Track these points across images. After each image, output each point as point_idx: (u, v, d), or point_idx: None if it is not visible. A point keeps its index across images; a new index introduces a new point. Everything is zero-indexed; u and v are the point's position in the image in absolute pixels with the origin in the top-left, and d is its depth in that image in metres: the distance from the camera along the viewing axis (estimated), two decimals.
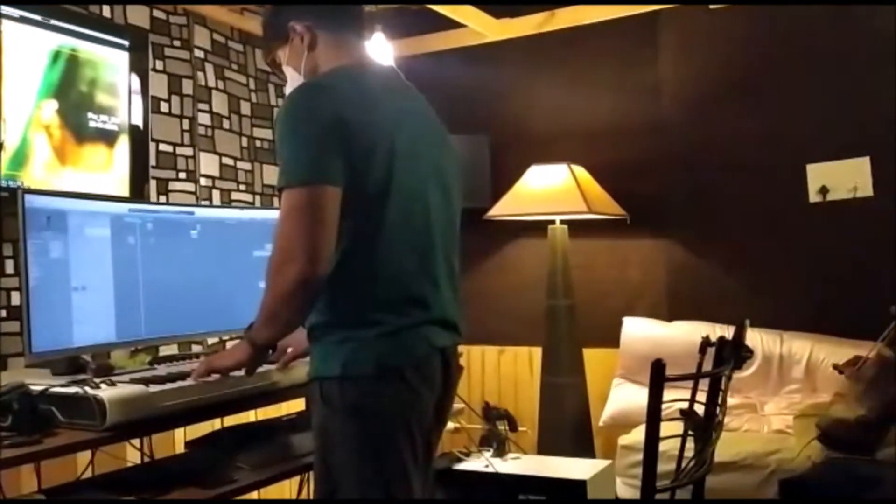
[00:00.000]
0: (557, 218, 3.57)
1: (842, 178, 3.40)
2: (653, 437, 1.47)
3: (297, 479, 2.34)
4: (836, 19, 3.41)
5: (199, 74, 3.35)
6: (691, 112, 3.71)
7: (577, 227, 3.66)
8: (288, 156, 1.50)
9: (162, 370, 1.90)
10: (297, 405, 2.43)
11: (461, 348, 1.75)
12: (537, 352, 3.72)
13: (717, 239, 3.68)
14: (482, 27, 3.82)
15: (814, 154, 3.45)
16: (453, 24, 3.79)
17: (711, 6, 3.63)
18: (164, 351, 2.54)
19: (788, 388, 3.33)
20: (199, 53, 3.35)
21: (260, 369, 1.92)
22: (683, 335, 3.36)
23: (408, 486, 1.55)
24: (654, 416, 1.48)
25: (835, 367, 2.40)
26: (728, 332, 2.11)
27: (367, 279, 1.54)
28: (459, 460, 2.80)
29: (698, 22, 3.68)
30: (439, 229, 1.65)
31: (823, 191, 3.44)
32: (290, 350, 1.95)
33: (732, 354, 2.00)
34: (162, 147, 3.15)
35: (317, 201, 1.46)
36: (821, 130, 3.44)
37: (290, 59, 1.71)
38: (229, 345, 3.12)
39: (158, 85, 3.14)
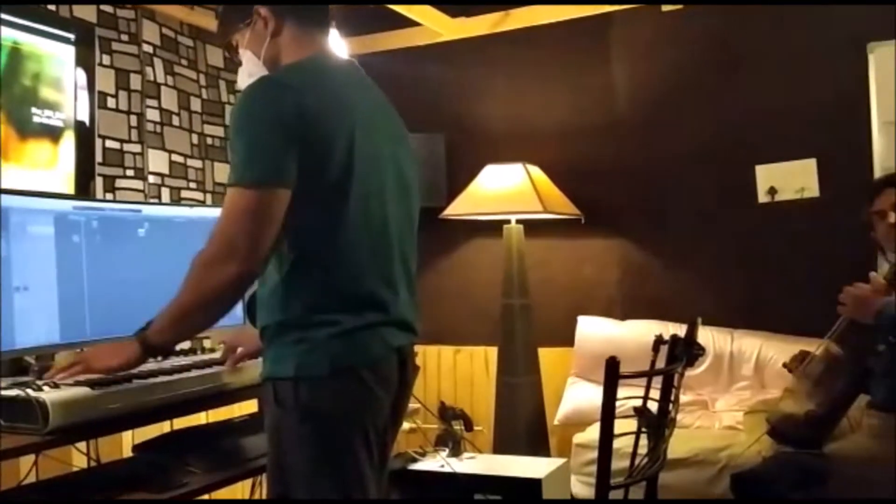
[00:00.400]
0: (513, 217, 3.58)
1: (789, 180, 3.48)
2: (607, 435, 1.47)
3: (249, 481, 2.30)
4: (786, 22, 3.48)
5: (148, 69, 3.28)
6: (644, 113, 3.76)
7: (532, 227, 3.68)
8: (242, 153, 1.46)
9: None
10: (249, 406, 2.38)
11: (417, 348, 1.73)
12: (493, 351, 3.73)
13: (670, 238, 3.73)
14: (438, 26, 3.81)
15: (763, 155, 3.52)
16: (409, 23, 3.77)
17: (664, 8, 3.68)
18: None
19: (739, 384, 3.39)
20: (147, 48, 3.28)
21: (210, 370, 1.89)
22: (637, 334, 3.40)
23: (363, 487, 1.53)
24: (608, 413, 1.48)
25: (784, 365, 2.44)
26: (680, 330, 2.13)
27: (323, 279, 1.51)
28: (415, 460, 2.78)
29: (651, 24, 3.73)
30: (397, 229, 1.63)
31: (772, 191, 3.51)
32: (240, 350, 1.92)
33: (685, 352, 2.02)
34: (109, 143, 3.07)
35: (266, 203, 1.43)
36: (769, 132, 3.51)
37: (251, 42, 1.66)
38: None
39: (105, 80, 3.06)
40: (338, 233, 1.50)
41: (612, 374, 1.49)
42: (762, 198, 3.52)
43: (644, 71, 3.78)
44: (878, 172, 3.26)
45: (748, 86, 3.56)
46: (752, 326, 3.48)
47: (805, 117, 3.43)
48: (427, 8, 3.64)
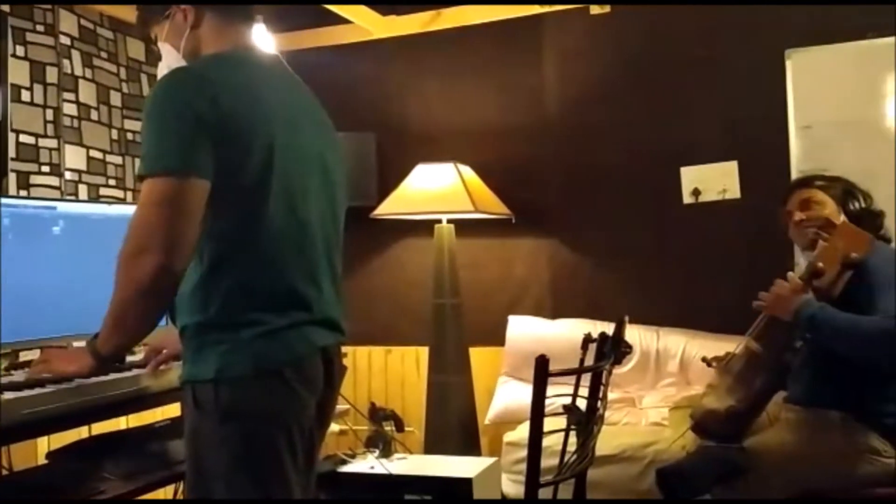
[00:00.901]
0: (444, 217, 3.57)
1: (712, 181, 3.57)
2: (536, 432, 1.47)
3: (172, 487, 2.23)
4: (709, 28, 3.58)
5: (65, 62, 3.15)
6: (574, 114, 3.81)
7: (463, 227, 3.68)
8: (153, 142, 1.41)
9: (20, 376, 1.76)
10: (172, 410, 2.31)
11: (347, 349, 1.70)
12: (424, 351, 3.71)
13: (599, 238, 3.78)
14: (368, 24, 3.78)
15: (687, 157, 3.60)
16: (339, 20, 3.73)
17: (592, 11, 3.73)
18: (26, 356, 2.36)
19: (664, 381, 3.46)
20: (65, 40, 3.15)
21: (130, 373, 1.83)
22: (566, 332, 3.44)
23: (287, 492, 1.49)
24: (537, 410, 1.48)
25: (703, 360, 2.49)
26: (609, 328, 2.15)
27: (244, 277, 1.46)
28: (344, 462, 2.74)
29: (580, 26, 3.78)
30: (322, 227, 1.60)
31: (696, 193, 3.60)
32: (164, 352, 1.85)
33: (612, 350, 2.04)
34: (22, 138, 2.94)
35: (180, 192, 1.38)
36: (694, 135, 3.60)
37: (170, 35, 1.61)
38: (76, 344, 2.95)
39: (19, 72, 2.93)
40: (259, 230, 1.46)
41: (542, 372, 1.50)
42: (687, 199, 3.60)
43: (573, 72, 3.82)
44: (795, 175, 3.37)
45: (674, 88, 3.64)
46: (677, 324, 3.56)
47: (727, 121, 3.53)
48: (358, 6, 3.61)
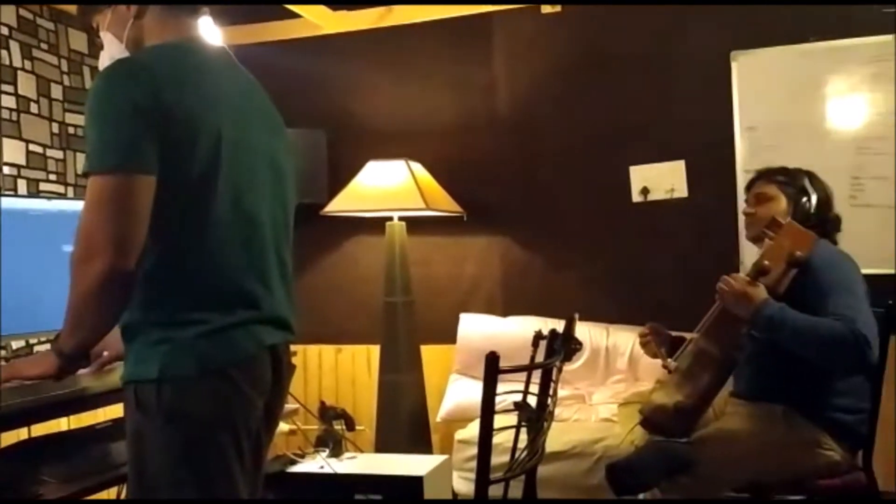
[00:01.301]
0: (395, 215, 3.55)
1: (660, 180, 3.62)
2: (487, 429, 1.47)
3: (113, 490, 2.17)
4: (657, 29, 3.62)
5: (3, 53, 3.04)
6: (524, 113, 3.82)
7: (414, 224, 3.66)
8: (96, 138, 1.36)
9: None
10: (114, 411, 2.24)
11: (297, 347, 1.67)
12: (375, 350, 3.69)
13: (549, 236, 3.80)
14: (319, 19, 3.74)
15: (636, 156, 3.65)
16: (289, 14, 3.68)
17: (543, 10, 3.75)
18: None
19: (614, 378, 3.50)
20: (2, 30, 3.04)
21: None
22: (517, 330, 3.45)
23: (233, 494, 1.46)
24: (488, 407, 1.48)
25: (664, 367, 2.48)
26: (559, 325, 2.16)
27: (189, 274, 1.43)
28: (293, 463, 2.71)
29: (530, 25, 3.79)
30: (271, 223, 1.57)
31: (645, 191, 3.65)
32: (105, 352, 1.80)
33: (563, 347, 2.05)
34: None
35: (126, 190, 1.33)
36: (642, 134, 3.65)
37: (112, 25, 1.56)
38: (38, 349, 2.86)
39: None
40: (205, 226, 1.43)
41: (492, 369, 1.49)
42: (636, 197, 3.65)
43: (524, 71, 3.84)
44: (740, 175, 3.44)
45: (623, 88, 3.68)
46: (626, 322, 3.59)
47: (675, 121, 3.58)
48: (308, 5, 3.57)
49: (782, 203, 2.38)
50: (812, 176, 2.43)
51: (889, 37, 3.33)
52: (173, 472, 1.39)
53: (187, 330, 1.40)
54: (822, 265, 2.22)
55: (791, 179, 2.41)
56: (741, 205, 2.64)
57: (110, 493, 2.28)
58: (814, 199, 2.38)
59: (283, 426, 3.30)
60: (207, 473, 1.42)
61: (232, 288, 1.46)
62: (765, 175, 2.48)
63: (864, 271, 2.32)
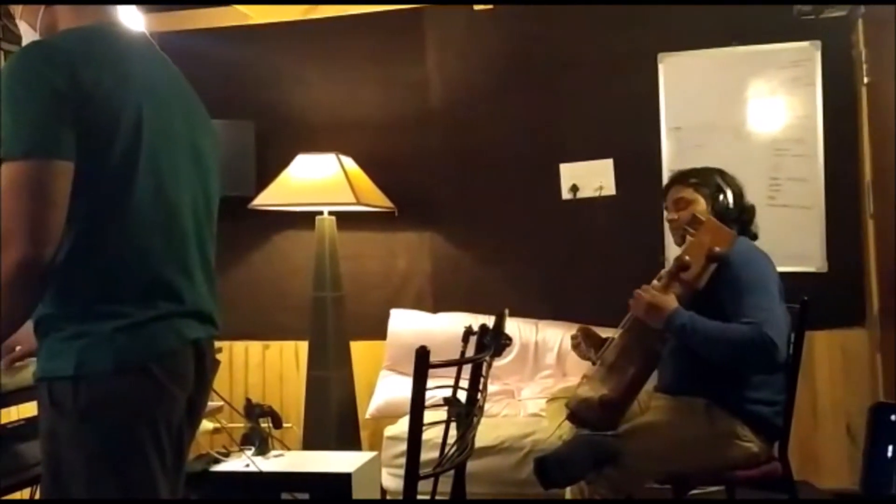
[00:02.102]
0: (325, 209, 3.51)
1: (590, 178, 3.68)
2: (416, 424, 1.46)
3: (27, 491, 2.08)
4: (587, 29, 3.67)
5: None
6: (456, 108, 3.82)
7: (345, 219, 3.63)
8: (9, 123, 1.29)
9: None
10: (27, 410, 2.15)
11: (222, 343, 1.63)
12: (304, 345, 3.64)
13: (480, 232, 3.82)
14: (246, 7, 3.66)
15: (566, 154, 3.69)
16: (215, 1, 3.59)
17: (475, 7, 3.76)
18: None
19: (543, 373, 3.54)
20: None
21: None
22: (447, 325, 3.45)
23: (153, 494, 1.40)
24: (417, 403, 1.47)
25: (590, 360, 2.53)
26: (489, 321, 2.17)
27: (106, 266, 1.37)
28: (217, 461, 2.64)
29: (462, 22, 3.80)
30: (194, 214, 1.52)
31: (574, 189, 3.70)
32: (18, 348, 1.72)
33: (493, 342, 2.05)
34: None
35: (42, 176, 1.27)
36: (572, 132, 3.70)
37: (25, 12, 1.50)
38: None
39: None
40: (124, 215, 1.37)
41: (422, 364, 1.48)
42: (565, 195, 3.70)
43: (456, 67, 3.84)
44: (666, 173, 3.52)
45: (554, 87, 3.72)
46: (555, 317, 3.64)
47: (604, 120, 3.64)
48: None
49: (701, 204, 2.45)
50: (722, 172, 2.52)
51: (806, 43, 3.46)
52: (90, 473, 1.33)
53: (105, 324, 1.35)
54: (739, 263, 2.29)
55: (704, 180, 2.49)
56: None
57: (23, 495, 2.19)
58: (729, 194, 2.46)
59: (206, 424, 3.22)
60: (126, 474, 1.37)
61: (152, 279, 1.41)
62: (678, 180, 2.55)
63: (781, 269, 2.40)
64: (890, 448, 1.02)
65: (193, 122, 1.58)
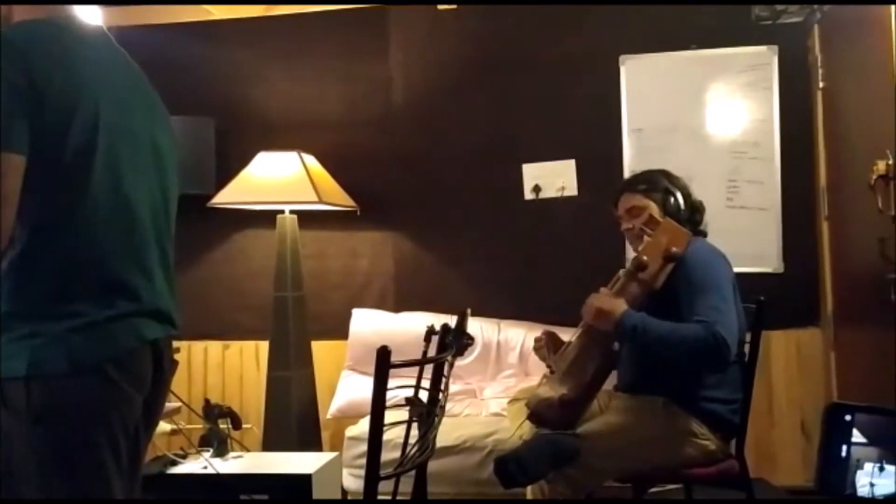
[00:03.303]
0: (287, 208, 3.47)
1: (552, 178, 3.70)
2: (377, 424, 1.45)
3: None
4: (550, 31, 3.69)
5: None
6: (420, 108, 3.82)
7: (306, 218, 3.60)
8: None
9: None
10: None
11: (181, 343, 1.60)
12: (264, 345, 3.60)
13: (442, 232, 3.82)
14: (207, 3, 3.61)
15: (529, 154, 3.71)
16: None
17: (440, 7, 3.76)
18: None
19: (505, 373, 3.55)
20: None
21: None
22: (410, 325, 3.44)
23: (109, 497, 1.38)
24: (378, 402, 1.46)
25: (548, 366, 2.54)
26: (451, 321, 2.16)
27: (62, 263, 1.34)
28: (174, 463, 2.60)
29: (426, 21, 3.79)
30: (152, 212, 1.50)
31: (536, 189, 3.71)
32: None
33: (455, 341, 2.05)
34: None
35: None
36: (535, 132, 3.71)
37: None
38: None
39: None
40: (80, 212, 1.34)
41: (383, 363, 1.47)
42: (528, 195, 3.71)
43: (420, 66, 3.83)
44: (627, 174, 3.55)
45: (517, 87, 3.73)
46: (517, 317, 3.65)
47: (566, 120, 3.67)
48: None
49: (654, 209, 2.48)
50: (667, 174, 2.55)
51: (764, 47, 3.52)
52: (43, 476, 1.30)
53: (59, 323, 1.32)
54: (694, 263, 2.33)
55: (653, 185, 2.51)
56: None
57: None
58: (679, 196, 2.49)
59: (163, 426, 3.16)
60: (81, 477, 1.34)
61: (109, 278, 1.39)
62: (627, 188, 2.57)
63: (739, 270, 2.44)
64: (844, 447, 1.03)
65: (152, 118, 1.56)
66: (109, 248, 1.39)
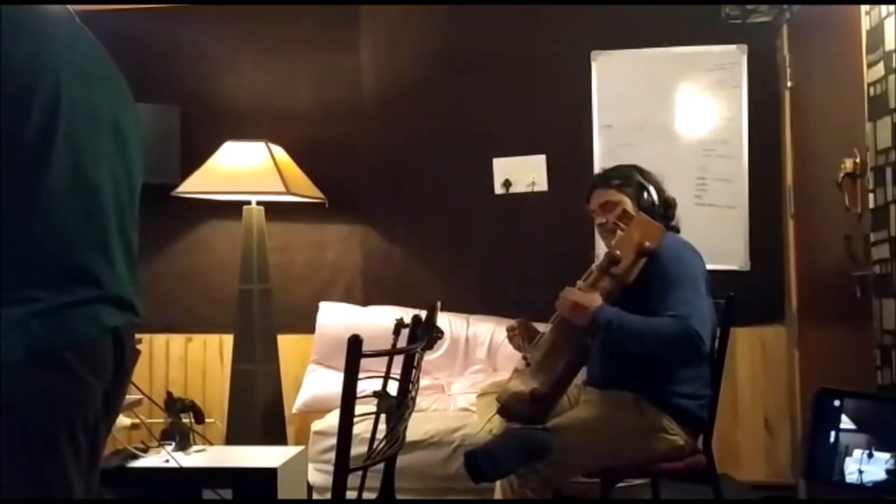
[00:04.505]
0: (253, 198, 3.41)
1: (522, 173, 3.69)
2: (348, 415, 1.42)
3: None
4: (522, 26, 3.68)
5: None
6: (391, 101, 3.78)
7: (273, 209, 3.54)
8: None
9: None
10: None
11: (143, 336, 1.55)
12: (229, 339, 3.53)
13: (411, 225, 3.78)
14: None
15: (499, 149, 3.69)
16: None
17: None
18: None
19: (473, 368, 3.53)
20: None
21: None
22: (377, 319, 3.40)
23: (67, 492, 1.32)
24: (349, 391, 1.43)
25: (524, 358, 2.52)
26: (421, 315, 2.14)
27: (18, 245, 1.28)
28: (135, 457, 2.53)
29: (398, 14, 3.76)
30: (115, 196, 1.43)
31: (507, 184, 3.70)
32: None
33: (424, 334, 2.03)
34: None
35: None
36: (506, 127, 3.70)
37: None
38: None
39: None
40: (38, 192, 1.28)
41: (355, 352, 1.45)
42: (498, 189, 3.69)
43: (391, 60, 3.79)
44: (597, 171, 3.55)
45: (488, 82, 3.71)
46: (486, 312, 3.63)
47: (537, 116, 3.65)
48: None
49: (628, 204, 2.48)
50: (640, 169, 2.56)
51: (733, 46, 3.55)
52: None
53: (15, 308, 1.25)
54: (667, 258, 2.33)
55: (626, 180, 2.52)
56: None
57: None
58: (652, 191, 2.50)
59: (123, 420, 3.09)
60: (38, 470, 1.28)
61: (69, 262, 1.33)
62: (600, 183, 2.57)
63: (706, 267, 2.45)
64: (832, 434, 1.03)
65: (117, 101, 1.49)
66: (69, 232, 1.33)
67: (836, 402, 1.06)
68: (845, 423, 1.04)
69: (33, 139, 1.28)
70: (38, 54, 1.30)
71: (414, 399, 1.89)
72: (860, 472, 1.03)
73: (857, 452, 1.02)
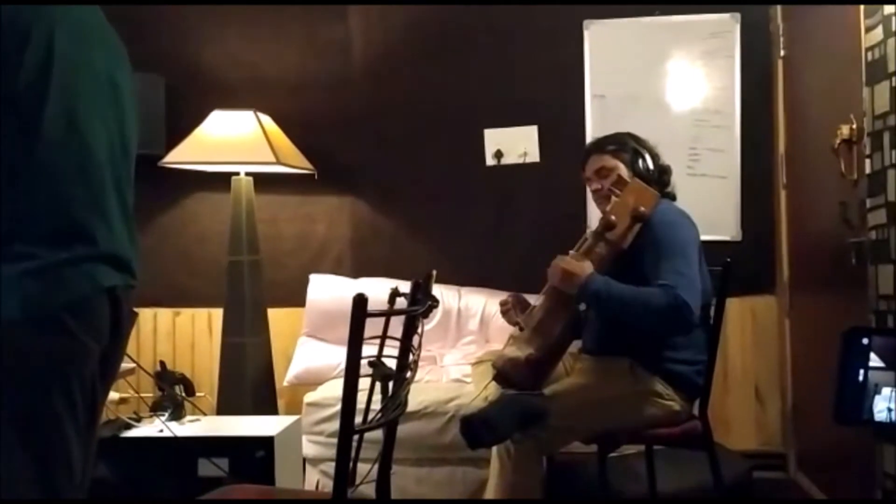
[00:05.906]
0: (242, 169, 3.36)
1: (514, 144, 3.66)
2: (352, 375, 1.40)
3: None
4: None
5: None
6: (380, 71, 3.73)
7: (262, 181, 3.49)
8: None
9: None
10: None
11: None
12: (218, 313, 3.49)
13: (401, 197, 3.75)
14: None
15: (490, 120, 3.65)
16: None
17: None
18: None
19: (465, 340, 3.52)
20: None
21: None
22: (368, 291, 3.31)
23: (66, 456, 1.29)
24: (354, 353, 1.40)
25: (517, 325, 2.51)
26: (420, 281, 2.11)
27: (13, 202, 1.24)
28: (128, 427, 2.50)
29: None
30: (110, 155, 1.40)
31: (498, 155, 3.67)
32: None
33: (425, 298, 2.00)
34: None
35: None
36: (497, 98, 3.66)
37: None
38: None
39: None
40: (32, 147, 1.24)
41: (360, 312, 1.42)
42: (489, 160, 3.66)
43: (380, 28, 3.74)
44: (589, 141, 3.53)
45: (479, 52, 3.67)
46: (478, 284, 3.61)
47: (529, 86, 3.62)
48: None
49: (623, 170, 2.47)
50: (635, 137, 2.55)
51: (726, 15, 3.52)
52: None
53: (10, 266, 1.22)
54: (660, 225, 2.32)
55: (621, 145, 2.50)
56: None
57: None
58: (647, 157, 2.49)
59: (113, 394, 3.05)
60: (36, 432, 1.25)
61: (64, 219, 1.29)
62: (595, 149, 2.55)
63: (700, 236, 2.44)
64: (861, 372, 1.02)
65: (111, 55, 1.46)
66: (63, 188, 1.30)
67: (865, 340, 1.05)
68: (874, 360, 1.03)
69: (26, 93, 1.25)
70: (29, 11, 1.26)
71: (416, 363, 1.86)
72: (889, 409, 1.02)
73: (887, 391, 1.01)
